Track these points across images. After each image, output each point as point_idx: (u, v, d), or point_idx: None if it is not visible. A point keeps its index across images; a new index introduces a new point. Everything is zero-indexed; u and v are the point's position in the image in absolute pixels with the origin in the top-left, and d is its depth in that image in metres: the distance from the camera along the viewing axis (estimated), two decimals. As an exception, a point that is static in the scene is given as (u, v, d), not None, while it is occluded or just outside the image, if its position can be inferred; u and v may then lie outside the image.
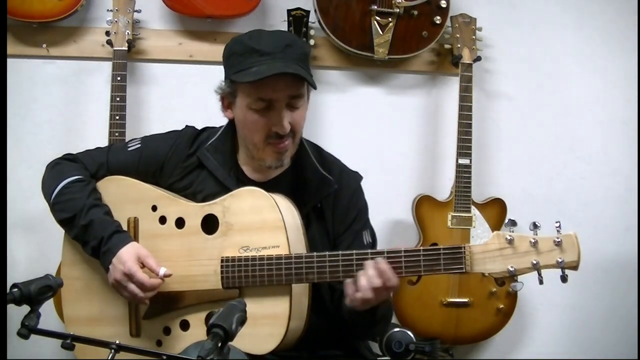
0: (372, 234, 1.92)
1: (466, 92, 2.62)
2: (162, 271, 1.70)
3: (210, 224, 1.76)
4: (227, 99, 1.81)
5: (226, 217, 1.73)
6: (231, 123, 1.88)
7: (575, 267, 1.54)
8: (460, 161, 2.60)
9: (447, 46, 2.72)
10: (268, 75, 1.65)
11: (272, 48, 1.69)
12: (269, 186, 1.81)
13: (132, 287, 1.69)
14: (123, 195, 1.84)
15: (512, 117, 2.90)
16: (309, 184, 1.85)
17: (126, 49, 2.52)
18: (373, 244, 1.91)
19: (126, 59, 2.51)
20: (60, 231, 1.89)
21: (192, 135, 1.90)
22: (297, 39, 1.79)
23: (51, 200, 1.83)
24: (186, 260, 1.75)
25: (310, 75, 1.75)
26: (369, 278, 1.60)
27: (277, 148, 1.76)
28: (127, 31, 2.52)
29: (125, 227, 1.80)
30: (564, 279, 1.55)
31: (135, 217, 1.81)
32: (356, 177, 1.94)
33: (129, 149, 1.91)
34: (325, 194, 1.85)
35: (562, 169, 2.93)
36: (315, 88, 1.77)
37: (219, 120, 1.99)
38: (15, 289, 1.33)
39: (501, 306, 2.62)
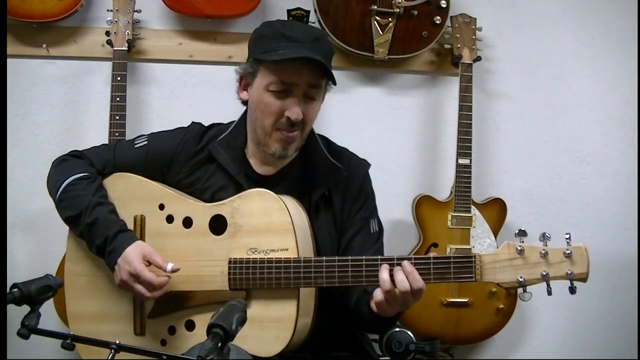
0: (379, 223, 1.92)
1: (466, 92, 2.61)
2: (169, 266, 1.69)
3: (218, 225, 1.75)
4: (246, 79, 1.81)
5: (235, 218, 1.73)
6: (242, 118, 1.88)
7: (584, 279, 1.55)
8: (460, 161, 2.60)
9: (447, 46, 2.72)
10: (294, 57, 1.67)
11: (302, 37, 1.72)
12: (278, 179, 1.82)
13: (139, 287, 1.68)
14: (130, 193, 1.83)
15: (512, 117, 2.90)
16: (319, 171, 1.85)
17: (126, 49, 2.51)
18: (380, 233, 1.91)
19: (126, 59, 2.51)
20: (60, 230, 1.90)
21: (199, 132, 1.90)
22: (326, 37, 1.83)
23: (56, 197, 1.82)
24: (193, 261, 1.74)
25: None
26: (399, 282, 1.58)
27: (284, 136, 1.76)
28: (127, 31, 2.52)
29: (131, 225, 1.80)
30: (572, 290, 1.55)
31: (141, 215, 1.81)
32: (364, 164, 1.95)
33: (136, 146, 1.90)
34: (335, 181, 1.85)
35: (562, 169, 2.93)
36: (335, 84, 1.79)
37: (218, 120, 1.99)
38: (15, 289, 1.33)
39: (501, 306, 2.62)
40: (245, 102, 1.86)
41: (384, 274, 1.59)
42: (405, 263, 1.58)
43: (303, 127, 1.78)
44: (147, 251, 1.71)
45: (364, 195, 1.90)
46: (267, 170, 1.85)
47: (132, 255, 1.69)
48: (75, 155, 1.91)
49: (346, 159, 1.90)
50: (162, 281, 1.69)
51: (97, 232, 1.74)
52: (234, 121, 1.92)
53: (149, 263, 1.70)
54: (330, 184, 1.85)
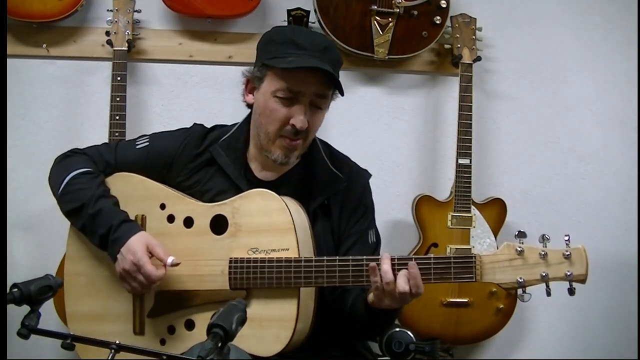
0: (376, 234, 1.92)
1: (466, 92, 2.61)
2: (169, 260, 1.69)
3: (219, 225, 1.75)
4: (252, 83, 1.81)
5: (235, 218, 1.73)
6: (246, 121, 1.88)
7: (583, 280, 1.56)
8: (460, 161, 2.60)
9: (447, 46, 2.72)
10: (304, 66, 1.67)
11: (311, 45, 1.72)
12: (279, 184, 1.82)
13: (141, 277, 1.68)
14: (131, 193, 1.83)
15: (512, 117, 2.90)
16: (319, 180, 1.85)
17: (126, 49, 2.51)
18: (377, 244, 1.91)
19: (126, 59, 2.51)
20: (60, 230, 1.89)
21: (201, 134, 1.89)
22: (335, 46, 1.82)
23: (59, 192, 1.82)
24: (194, 260, 1.75)
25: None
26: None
27: (287, 144, 1.76)
28: (127, 31, 2.52)
29: None
30: (571, 291, 1.56)
31: (142, 215, 1.81)
32: (365, 175, 1.95)
33: (137, 146, 1.90)
34: (335, 191, 1.85)
35: (562, 169, 2.93)
36: (342, 94, 1.78)
37: (218, 120, 1.99)
38: (15, 289, 1.33)
39: (501, 306, 2.62)
40: (250, 106, 1.85)
41: (385, 265, 1.60)
42: (412, 264, 1.59)
43: (306, 136, 1.78)
44: (151, 242, 1.71)
45: (363, 206, 1.89)
46: (268, 176, 1.85)
47: (136, 245, 1.69)
48: (77, 152, 1.92)
49: (347, 169, 1.90)
50: (161, 274, 1.69)
51: (101, 222, 1.74)
52: (237, 123, 1.91)
53: (151, 254, 1.70)
54: (329, 193, 1.84)
